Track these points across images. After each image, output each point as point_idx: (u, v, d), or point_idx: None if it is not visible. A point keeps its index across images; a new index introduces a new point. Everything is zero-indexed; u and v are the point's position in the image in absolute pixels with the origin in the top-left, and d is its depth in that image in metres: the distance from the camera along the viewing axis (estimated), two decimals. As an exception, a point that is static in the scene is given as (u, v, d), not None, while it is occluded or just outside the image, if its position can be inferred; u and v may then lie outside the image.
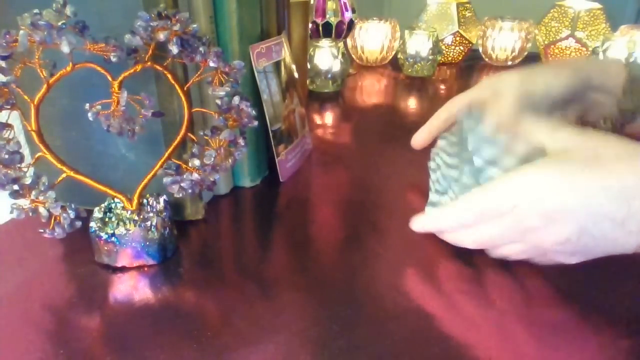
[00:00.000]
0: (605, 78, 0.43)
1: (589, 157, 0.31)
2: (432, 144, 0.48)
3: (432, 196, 0.43)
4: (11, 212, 0.33)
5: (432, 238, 0.39)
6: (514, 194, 0.32)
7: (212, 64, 0.35)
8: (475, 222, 0.34)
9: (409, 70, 0.96)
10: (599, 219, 0.30)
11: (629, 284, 0.35)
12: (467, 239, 0.36)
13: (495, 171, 0.35)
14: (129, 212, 0.37)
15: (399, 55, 0.97)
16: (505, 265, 0.37)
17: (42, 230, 0.34)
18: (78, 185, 0.35)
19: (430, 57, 0.93)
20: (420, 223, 0.39)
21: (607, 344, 0.30)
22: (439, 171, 0.42)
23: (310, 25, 0.86)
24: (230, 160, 0.37)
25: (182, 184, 0.36)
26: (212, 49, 0.34)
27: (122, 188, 0.37)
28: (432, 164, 0.45)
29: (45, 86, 0.32)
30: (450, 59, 1.08)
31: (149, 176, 0.36)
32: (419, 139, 0.50)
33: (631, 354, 0.29)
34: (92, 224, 0.36)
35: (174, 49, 0.33)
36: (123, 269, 0.37)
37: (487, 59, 1.08)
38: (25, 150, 0.37)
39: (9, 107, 0.32)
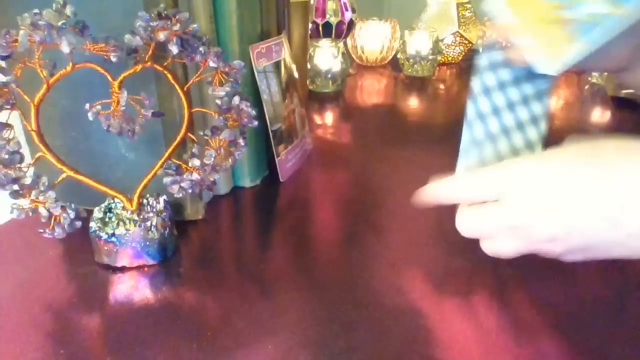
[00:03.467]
0: None
1: (588, 152, 0.29)
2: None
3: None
4: (11, 212, 0.33)
5: (431, 238, 0.39)
6: (501, 183, 0.30)
7: (212, 64, 0.35)
8: (467, 201, 0.32)
9: (409, 70, 0.96)
10: (589, 217, 0.27)
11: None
12: (460, 222, 0.33)
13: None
14: (129, 212, 0.37)
15: (399, 55, 0.97)
16: (506, 266, 0.36)
17: (42, 230, 0.34)
18: (78, 185, 0.35)
19: (430, 57, 0.93)
20: (422, 194, 0.35)
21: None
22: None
23: (310, 25, 0.86)
24: (230, 160, 0.37)
25: (182, 184, 0.36)
26: (212, 49, 0.34)
27: (122, 188, 0.37)
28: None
29: (45, 86, 0.32)
30: (450, 59, 1.08)
31: (149, 176, 0.36)
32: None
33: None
34: (92, 224, 0.36)
35: (174, 49, 0.33)
36: (123, 269, 0.37)
37: (487, 59, 1.08)
38: (25, 150, 0.37)
39: (9, 107, 0.32)
